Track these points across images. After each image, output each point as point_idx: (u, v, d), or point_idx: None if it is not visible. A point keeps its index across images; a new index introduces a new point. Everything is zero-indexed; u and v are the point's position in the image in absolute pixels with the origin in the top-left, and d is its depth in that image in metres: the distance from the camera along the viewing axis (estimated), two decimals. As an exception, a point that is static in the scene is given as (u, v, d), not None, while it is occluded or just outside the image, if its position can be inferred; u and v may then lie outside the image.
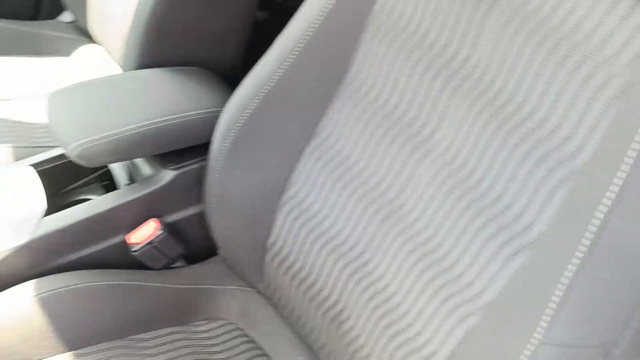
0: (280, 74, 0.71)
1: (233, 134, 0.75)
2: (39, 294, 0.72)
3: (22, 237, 0.75)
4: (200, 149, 0.83)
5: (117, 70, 1.19)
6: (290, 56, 0.71)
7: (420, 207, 0.61)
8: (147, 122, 0.78)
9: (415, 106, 0.63)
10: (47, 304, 0.72)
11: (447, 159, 0.59)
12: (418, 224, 0.61)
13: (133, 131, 0.76)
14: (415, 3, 0.63)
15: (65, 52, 1.25)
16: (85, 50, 1.25)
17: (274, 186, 0.75)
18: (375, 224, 0.65)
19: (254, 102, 0.73)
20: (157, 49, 0.91)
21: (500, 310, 0.52)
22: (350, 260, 0.67)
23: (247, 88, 0.75)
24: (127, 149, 0.77)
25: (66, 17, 1.36)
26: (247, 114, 0.74)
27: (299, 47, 0.71)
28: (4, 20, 1.25)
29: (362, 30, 0.68)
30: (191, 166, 0.84)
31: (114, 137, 0.75)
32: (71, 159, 0.75)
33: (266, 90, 0.72)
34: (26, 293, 0.72)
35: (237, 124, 0.74)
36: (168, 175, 0.83)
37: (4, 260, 0.75)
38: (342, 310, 0.68)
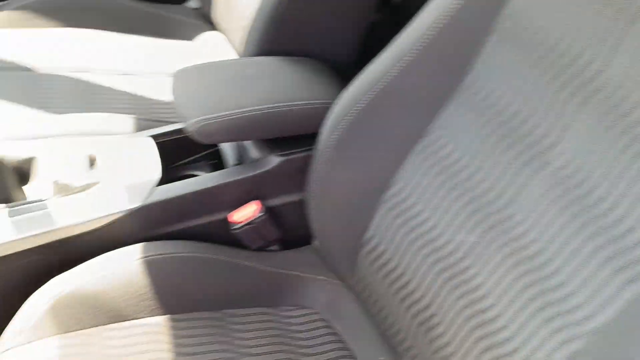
0: (396, 72, 0.71)
1: (342, 127, 0.76)
2: (145, 257, 0.77)
3: (136, 202, 0.80)
4: (308, 139, 0.84)
5: (235, 57, 1.24)
6: (409, 55, 0.71)
7: (530, 220, 0.59)
8: (261, 107, 0.80)
9: (538, 115, 0.61)
10: (151, 267, 0.76)
11: (566, 173, 0.57)
12: (526, 238, 0.59)
13: (248, 114, 0.79)
14: (549, 10, 0.61)
15: (189, 37, 1.31)
16: (207, 36, 1.31)
17: (377, 183, 0.75)
18: (479, 232, 0.63)
19: (367, 98, 0.73)
20: (277, 39, 0.93)
21: (609, 337, 0.49)
22: (448, 266, 0.65)
23: (361, 83, 0.75)
24: (241, 130, 0.80)
25: (192, 3, 1.43)
26: (358, 109, 0.74)
27: (419, 46, 0.70)
28: (133, 0, 1.33)
29: (488, 33, 0.67)
30: (297, 154, 0.86)
31: (231, 117, 0.78)
32: (189, 134, 0.78)
33: (380, 87, 0.73)
34: (133, 254, 0.77)
35: (347, 118, 0.75)
36: (274, 160, 0.85)
37: (116, 222, 0.80)
38: (433, 315, 0.67)
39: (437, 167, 0.69)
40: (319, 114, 0.82)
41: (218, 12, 1.28)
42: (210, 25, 1.33)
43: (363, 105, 0.74)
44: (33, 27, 1.21)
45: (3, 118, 0.97)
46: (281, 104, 0.81)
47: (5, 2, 1.34)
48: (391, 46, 0.73)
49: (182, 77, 0.84)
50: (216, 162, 0.97)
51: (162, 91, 1.12)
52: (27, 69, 1.09)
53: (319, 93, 0.85)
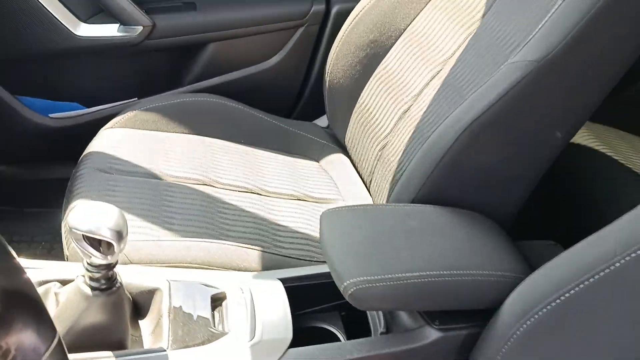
0: (623, 262, 0.57)
1: (534, 319, 0.61)
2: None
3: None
4: (474, 311, 0.70)
5: (362, 188, 1.14)
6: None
7: None
8: (433, 273, 0.67)
9: None
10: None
11: None
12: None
13: (416, 280, 0.66)
14: None
15: (315, 157, 1.23)
16: (335, 160, 1.22)
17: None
18: None
19: (575, 288, 0.59)
20: (440, 184, 0.81)
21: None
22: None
23: (564, 267, 0.61)
24: (404, 298, 0.66)
25: (322, 121, 1.37)
26: (561, 299, 0.60)
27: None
28: (263, 112, 1.27)
29: None
30: (460, 330, 0.71)
31: (395, 282, 0.65)
32: (345, 296, 0.66)
33: (596, 278, 0.58)
34: None
35: (544, 308, 0.61)
36: (432, 334, 0.70)
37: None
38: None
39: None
40: (499, 288, 0.68)
41: (349, 136, 1.20)
42: (341, 147, 1.25)
43: (567, 295, 0.60)
44: (162, 130, 1.16)
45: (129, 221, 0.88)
46: (458, 272, 0.67)
47: (135, 101, 1.33)
48: (612, 230, 0.60)
49: (332, 222, 0.73)
50: (345, 314, 0.84)
51: (287, 218, 1.02)
52: (155, 176, 1.02)
53: (498, 262, 0.71)
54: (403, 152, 0.98)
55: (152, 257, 0.82)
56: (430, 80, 1.03)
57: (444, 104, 0.93)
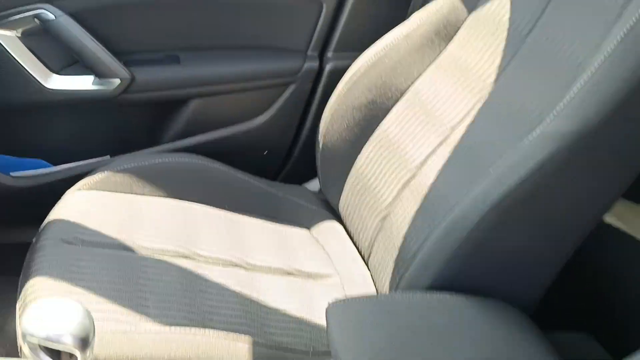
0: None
1: None
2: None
3: None
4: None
5: (359, 261, 1.03)
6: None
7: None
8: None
9: None
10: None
11: None
12: None
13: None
14: None
15: (306, 224, 1.12)
16: (327, 228, 1.11)
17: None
18: None
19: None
20: (462, 268, 0.71)
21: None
22: None
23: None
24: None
25: (313, 185, 1.27)
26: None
27: None
28: (248, 175, 1.17)
29: None
30: None
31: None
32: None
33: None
34: None
35: None
36: None
37: None
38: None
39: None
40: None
41: (344, 202, 1.10)
42: (331, 212, 1.14)
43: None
44: (136, 193, 1.04)
45: (97, 305, 0.75)
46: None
47: (108, 159, 1.21)
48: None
49: (342, 319, 0.61)
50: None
51: (276, 297, 0.90)
52: (127, 248, 0.90)
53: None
54: (411, 226, 0.87)
55: (124, 354, 0.69)
56: (437, 148, 0.95)
57: (458, 176, 0.84)
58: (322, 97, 1.26)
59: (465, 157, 0.85)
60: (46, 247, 0.85)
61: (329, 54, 1.26)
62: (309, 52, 1.26)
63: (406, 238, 0.88)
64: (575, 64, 0.76)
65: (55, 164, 1.22)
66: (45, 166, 1.22)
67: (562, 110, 0.68)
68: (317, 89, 1.27)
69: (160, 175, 1.09)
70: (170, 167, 1.10)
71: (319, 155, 1.15)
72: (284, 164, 1.34)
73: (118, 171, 1.05)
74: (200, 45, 1.21)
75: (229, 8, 1.18)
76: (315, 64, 1.26)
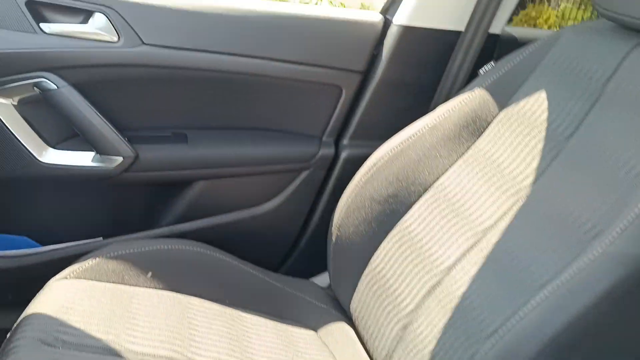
0: None
1: None
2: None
3: None
4: None
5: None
6: None
7: None
8: None
9: None
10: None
11: None
12: None
13: None
14: None
15: (313, 324, 1.01)
16: (337, 331, 1.00)
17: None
18: None
19: None
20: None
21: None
22: None
23: None
24: None
25: (321, 279, 1.17)
26: None
27: None
28: (252, 266, 1.07)
29: None
30: None
31: None
32: None
33: None
34: None
35: None
36: None
37: None
38: None
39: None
40: None
41: (357, 303, 0.99)
42: (341, 313, 1.03)
43: None
44: (128, 283, 0.93)
45: None
46: None
47: (99, 241, 1.11)
48: None
49: None
50: None
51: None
52: (114, 352, 0.78)
53: None
54: (439, 343, 0.77)
55: None
56: (467, 252, 0.86)
57: (496, 289, 0.74)
58: (336, 186, 1.19)
59: (503, 268, 0.76)
60: (20, 348, 0.73)
61: (345, 141, 1.20)
62: (325, 138, 1.20)
63: (433, 356, 0.78)
64: (633, 173, 0.68)
65: (42, 243, 1.12)
66: (32, 245, 1.12)
67: (626, 229, 0.60)
68: (330, 176, 1.19)
69: (157, 264, 0.98)
70: (167, 255, 1.00)
71: (330, 248, 1.06)
72: (290, 254, 1.25)
73: (110, 258, 0.95)
74: (210, 124, 1.14)
75: (244, 88, 1.12)
76: (330, 150, 1.19)
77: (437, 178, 0.98)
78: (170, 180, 1.12)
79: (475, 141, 0.98)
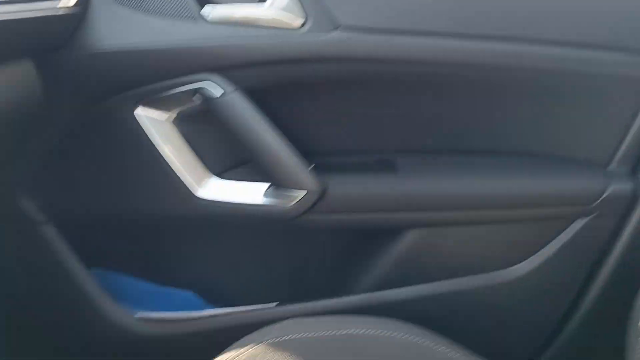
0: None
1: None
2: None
3: None
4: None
5: None
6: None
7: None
8: None
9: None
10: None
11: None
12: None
13: None
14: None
15: None
16: None
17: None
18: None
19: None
20: None
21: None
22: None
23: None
24: None
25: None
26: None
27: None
28: None
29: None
30: None
31: None
32: None
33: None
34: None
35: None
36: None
37: None
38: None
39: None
40: None
41: None
42: None
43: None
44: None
45: None
46: None
47: (272, 308, 0.81)
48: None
49: None
50: None
51: None
52: None
53: None
54: None
55: None
56: None
57: None
58: (635, 241, 0.74)
59: None
60: None
61: (650, 172, 0.75)
62: (614, 167, 0.76)
63: None
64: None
65: (205, 300, 0.86)
66: (195, 304, 0.87)
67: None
68: (624, 227, 0.75)
69: (344, 354, 0.65)
70: (366, 345, 0.66)
71: (633, 342, 0.62)
72: (550, 343, 0.82)
73: (287, 342, 0.64)
74: (430, 147, 0.79)
75: (487, 90, 0.74)
76: (625, 186, 0.75)
77: None
78: (369, 226, 0.78)
79: None
